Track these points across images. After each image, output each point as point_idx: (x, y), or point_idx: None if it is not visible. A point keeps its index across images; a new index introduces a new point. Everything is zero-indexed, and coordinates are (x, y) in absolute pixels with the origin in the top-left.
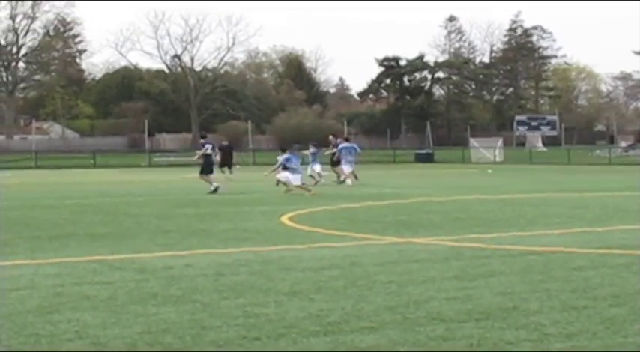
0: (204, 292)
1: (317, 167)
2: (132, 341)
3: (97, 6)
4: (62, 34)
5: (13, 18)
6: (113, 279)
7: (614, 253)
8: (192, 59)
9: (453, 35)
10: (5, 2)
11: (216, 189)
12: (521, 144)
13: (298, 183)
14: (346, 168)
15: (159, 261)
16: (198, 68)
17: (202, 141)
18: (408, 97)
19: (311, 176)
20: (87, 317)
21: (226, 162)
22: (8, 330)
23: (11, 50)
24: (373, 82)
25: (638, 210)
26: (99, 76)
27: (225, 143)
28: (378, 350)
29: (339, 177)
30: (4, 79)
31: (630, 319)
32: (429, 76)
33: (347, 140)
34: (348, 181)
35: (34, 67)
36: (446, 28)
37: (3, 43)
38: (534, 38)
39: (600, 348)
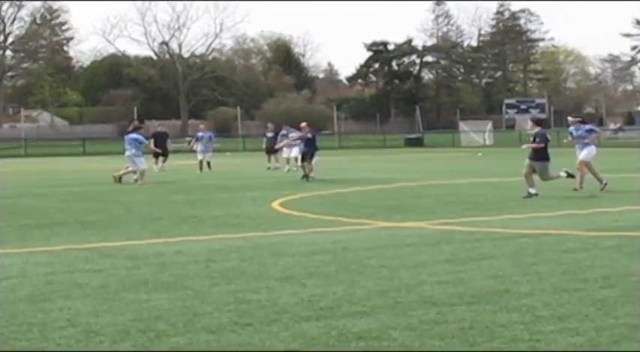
0: (196, 278)
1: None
2: (124, 328)
3: None
4: (49, 22)
5: None
6: (104, 267)
7: (605, 235)
8: (180, 46)
9: (440, 19)
10: None
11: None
12: (511, 127)
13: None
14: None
15: (150, 248)
16: (186, 55)
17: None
18: (396, 82)
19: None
20: (78, 305)
21: (160, 151)
22: (0, 319)
23: None
24: (362, 66)
25: (628, 192)
26: (87, 63)
27: (161, 130)
28: (370, 335)
29: (277, 161)
30: None
31: (621, 301)
32: (418, 61)
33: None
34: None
35: (22, 55)
36: (433, 11)
37: None
38: (522, 21)
39: (592, 330)
